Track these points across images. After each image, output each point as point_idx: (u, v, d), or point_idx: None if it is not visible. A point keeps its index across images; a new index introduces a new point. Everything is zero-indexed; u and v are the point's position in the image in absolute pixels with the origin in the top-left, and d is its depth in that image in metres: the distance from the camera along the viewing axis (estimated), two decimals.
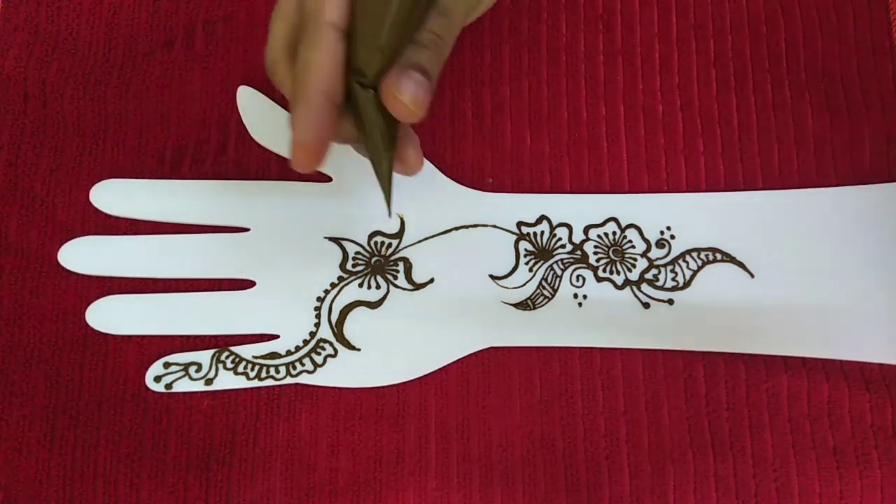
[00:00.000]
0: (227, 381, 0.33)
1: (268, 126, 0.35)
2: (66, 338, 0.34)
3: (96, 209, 0.35)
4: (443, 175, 0.34)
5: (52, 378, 0.33)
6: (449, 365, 0.33)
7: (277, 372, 0.33)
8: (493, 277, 0.33)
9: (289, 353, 0.33)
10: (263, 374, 0.33)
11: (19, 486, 0.32)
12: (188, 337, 0.33)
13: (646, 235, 0.34)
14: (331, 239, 0.34)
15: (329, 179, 0.35)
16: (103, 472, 0.32)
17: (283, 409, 0.33)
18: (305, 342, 0.33)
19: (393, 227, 0.34)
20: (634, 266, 0.33)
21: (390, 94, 0.24)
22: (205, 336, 0.33)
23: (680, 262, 0.33)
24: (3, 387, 0.33)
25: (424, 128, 0.35)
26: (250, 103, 0.35)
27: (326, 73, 0.24)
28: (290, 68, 0.26)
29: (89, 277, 0.34)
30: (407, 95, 0.24)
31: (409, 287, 0.34)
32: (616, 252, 0.34)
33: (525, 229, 0.34)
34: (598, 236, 0.34)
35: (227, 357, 0.33)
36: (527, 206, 0.34)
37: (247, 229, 0.34)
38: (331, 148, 0.26)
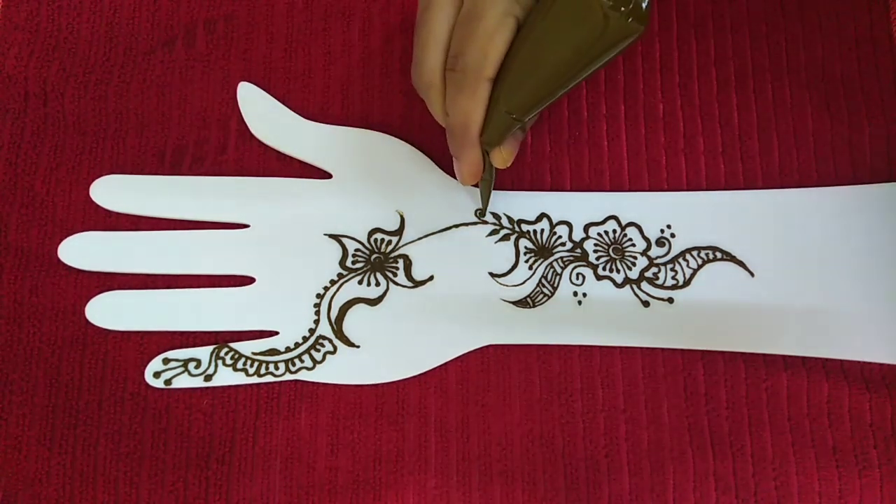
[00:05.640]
0: (226, 377, 0.33)
1: (268, 122, 0.35)
2: (65, 336, 0.34)
3: (96, 208, 0.35)
4: (443, 172, 0.34)
5: (51, 377, 0.33)
6: (448, 363, 0.33)
7: (277, 368, 0.33)
8: (492, 275, 0.33)
9: (288, 349, 0.33)
10: (263, 371, 0.33)
11: (19, 485, 0.32)
12: (188, 333, 0.33)
13: (646, 234, 0.34)
14: (330, 236, 0.34)
15: (329, 176, 0.35)
16: (103, 471, 0.32)
17: (282, 408, 0.33)
18: (305, 339, 0.33)
19: (393, 225, 0.34)
20: (634, 264, 0.33)
21: (497, 151, 0.30)
22: (204, 332, 0.33)
23: (680, 260, 0.33)
24: (3, 386, 0.33)
25: (426, 127, 0.35)
26: (251, 99, 0.35)
27: (482, 121, 0.29)
28: (443, 95, 0.29)
29: (89, 276, 0.34)
30: (508, 151, 0.30)
31: (409, 284, 0.34)
32: (616, 250, 0.34)
33: (525, 227, 0.34)
34: (599, 234, 0.34)
35: (226, 353, 0.33)
36: (527, 203, 0.34)
37: (246, 226, 0.34)
38: None
